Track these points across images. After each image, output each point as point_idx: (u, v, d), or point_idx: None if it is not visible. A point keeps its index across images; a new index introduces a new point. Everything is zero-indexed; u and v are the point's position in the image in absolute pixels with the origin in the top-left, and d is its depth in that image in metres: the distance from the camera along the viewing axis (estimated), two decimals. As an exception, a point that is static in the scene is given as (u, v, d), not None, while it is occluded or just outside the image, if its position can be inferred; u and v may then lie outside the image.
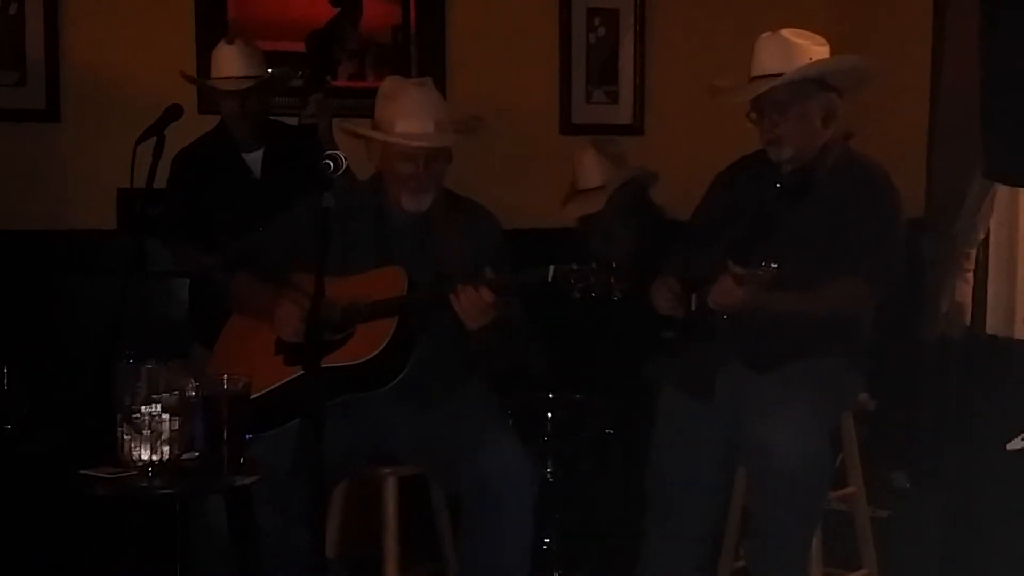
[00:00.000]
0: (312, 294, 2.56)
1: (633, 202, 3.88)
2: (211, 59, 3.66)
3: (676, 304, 2.94)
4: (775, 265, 2.70)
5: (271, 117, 3.68)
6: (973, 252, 3.92)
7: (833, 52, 3.05)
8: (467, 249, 2.93)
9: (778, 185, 3.08)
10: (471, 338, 2.77)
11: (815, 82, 2.98)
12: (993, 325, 4.00)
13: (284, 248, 2.93)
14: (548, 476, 3.62)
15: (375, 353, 2.76)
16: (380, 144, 2.92)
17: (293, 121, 3.68)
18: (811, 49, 3.01)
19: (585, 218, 3.90)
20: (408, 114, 2.87)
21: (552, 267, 2.64)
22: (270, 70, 3.67)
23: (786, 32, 3.04)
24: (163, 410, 2.39)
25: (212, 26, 4.03)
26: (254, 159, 3.61)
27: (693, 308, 2.92)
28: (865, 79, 3.05)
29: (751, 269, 2.73)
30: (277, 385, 2.80)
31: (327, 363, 2.69)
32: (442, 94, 3.06)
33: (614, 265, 2.61)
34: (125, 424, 2.38)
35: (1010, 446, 3.47)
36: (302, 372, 2.63)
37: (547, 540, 3.61)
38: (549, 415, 3.63)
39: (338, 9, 4.09)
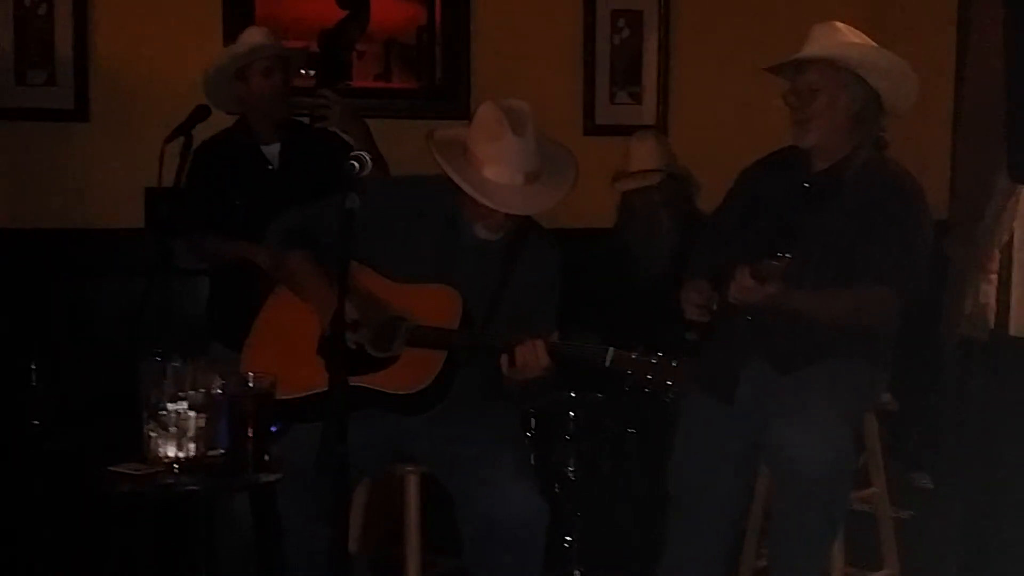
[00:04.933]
0: (359, 288, 2.54)
1: (680, 197, 3.93)
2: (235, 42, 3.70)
3: (706, 310, 2.93)
4: (789, 255, 2.68)
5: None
6: (997, 254, 3.92)
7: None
8: (524, 282, 2.90)
9: (806, 185, 3.07)
10: (505, 381, 2.73)
11: (854, 77, 2.96)
12: (1017, 327, 4.00)
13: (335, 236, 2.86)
14: (570, 474, 3.63)
15: (417, 390, 2.74)
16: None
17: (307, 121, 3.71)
18: (859, 40, 3.01)
19: (629, 203, 3.95)
20: (499, 162, 2.75)
21: (611, 350, 2.61)
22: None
23: (840, 24, 3.04)
24: (189, 407, 2.41)
25: (240, 26, 4.04)
26: (272, 152, 3.65)
27: (715, 307, 2.91)
28: (906, 89, 3.00)
29: (766, 262, 2.72)
30: (316, 392, 2.68)
31: (367, 383, 2.72)
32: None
33: (674, 364, 2.56)
34: (151, 421, 2.41)
35: (1034, 448, 3.47)
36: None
37: (568, 538, 3.62)
38: (571, 414, 3.64)
39: (346, 12, 4.16)
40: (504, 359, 2.67)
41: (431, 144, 2.83)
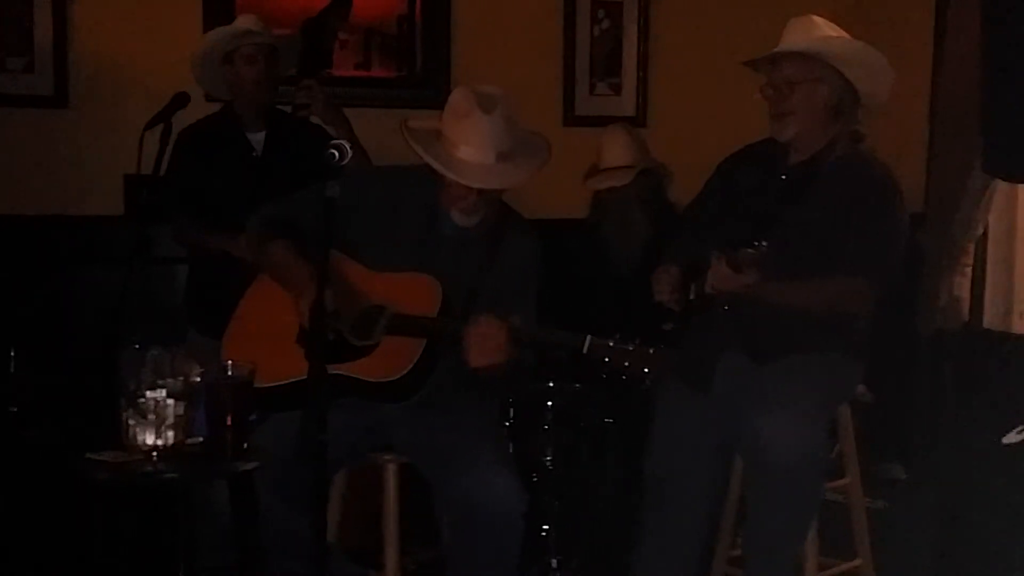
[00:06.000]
0: (339, 277, 2.53)
1: (653, 191, 3.92)
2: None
3: (675, 293, 2.95)
4: (765, 243, 2.70)
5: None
6: (971, 246, 3.95)
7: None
8: (503, 271, 2.91)
9: (783, 177, 3.09)
10: (471, 369, 2.73)
11: (832, 69, 2.98)
12: (990, 319, 4.04)
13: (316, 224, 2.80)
14: (548, 464, 3.65)
15: (397, 377, 2.74)
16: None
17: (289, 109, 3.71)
18: (834, 33, 3.02)
19: (601, 201, 3.94)
20: (470, 141, 2.79)
21: (589, 338, 2.62)
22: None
23: (815, 17, 3.05)
24: (168, 395, 2.41)
25: (220, 13, 4.05)
26: (257, 139, 3.65)
27: (692, 297, 2.93)
28: (882, 81, 3.02)
29: (742, 250, 2.73)
30: (295, 380, 2.66)
31: (346, 371, 2.72)
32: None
33: (651, 351, 2.58)
34: (130, 409, 2.41)
35: (1006, 439, 3.50)
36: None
37: (545, 527, 3.64)
38: (549, 404, 3.66)
39: (328, 0, 4.16)
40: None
41: (405, 130, 2.86)
